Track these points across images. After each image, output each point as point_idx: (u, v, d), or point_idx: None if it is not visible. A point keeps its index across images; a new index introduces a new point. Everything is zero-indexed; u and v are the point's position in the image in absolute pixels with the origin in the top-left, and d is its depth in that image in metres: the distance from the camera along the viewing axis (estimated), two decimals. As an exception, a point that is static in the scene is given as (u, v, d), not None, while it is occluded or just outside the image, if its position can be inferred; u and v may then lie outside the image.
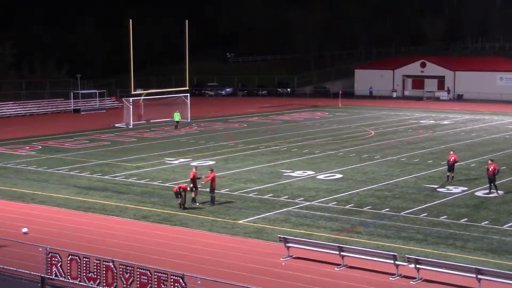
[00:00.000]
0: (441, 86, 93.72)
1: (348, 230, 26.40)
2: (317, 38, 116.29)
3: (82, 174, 38.00)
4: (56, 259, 20.33)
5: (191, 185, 30.35)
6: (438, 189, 33.50)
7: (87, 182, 35.87)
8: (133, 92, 62.50)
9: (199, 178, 30.75)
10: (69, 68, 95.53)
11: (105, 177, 37.20)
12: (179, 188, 29.66)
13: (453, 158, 35.08)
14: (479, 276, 19.67)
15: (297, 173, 37.59)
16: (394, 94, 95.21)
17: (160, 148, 47.34)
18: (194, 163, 40.92)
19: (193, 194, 30.49)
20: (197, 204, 30.34)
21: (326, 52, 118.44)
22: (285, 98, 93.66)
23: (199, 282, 17.90)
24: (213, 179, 30.41)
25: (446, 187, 33.93)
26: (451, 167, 35.17)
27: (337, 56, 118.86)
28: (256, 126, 60.92)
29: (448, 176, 35.39)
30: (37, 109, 75.59)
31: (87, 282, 19.83)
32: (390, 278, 21.05)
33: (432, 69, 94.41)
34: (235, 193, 32.97)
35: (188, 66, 65.60)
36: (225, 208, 30.06)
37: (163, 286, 18.48)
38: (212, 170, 30.96)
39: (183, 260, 22.73)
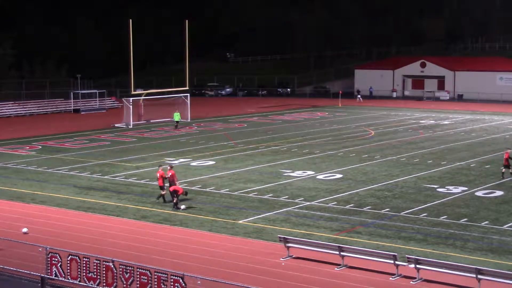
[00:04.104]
0: (441, 86, 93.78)
1: (348, 230, 26.40)
2: (317, 38, 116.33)
3: (82, 174, 38.00)
4: (56, 259, 20.32)
5: (160, 185, 30.54)
6: (438, 189, 33.50)
7: (87, 182, 35.87)
8: (133, 92, 62.50)
9: (166, 178, 30.70)
10: (69, 68, 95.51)
11: (105, 177, 37.19)
12: (174, 189, 29.66)
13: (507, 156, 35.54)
14: (479, 276, 19.67)
15: (297, 173, 37.58)
16: (394, 94, 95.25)
17: (160, 148, 47.35)
18: (194, 163, 40.99)
19: (163, 192, 30.56)
20: (157, 200, 30.50)
21: (326, 52, 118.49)
22: (285, 98, 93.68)
23: (199, 282, 17.89)
24: (173, 177, 30.20)
25: (446, 187, 33.92)
26: (506, 165, 35.51)
27: (337, 56, 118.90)
28: (256, 126, 60.92)
29: (503, 172, 35.64)
30: (37, 109, 75.60)
31: (87, 282, 19.82)
32: (390, 278, 21.04)
33: (432, 69, 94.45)
34: (235, 193, 32.97)
35: (188, 66, 65.60)
36: (225, 208, 30.07)
37: (163, 286, 18.48)
38: (171, 167, 30.77)
39: (183, 260, 22.73)
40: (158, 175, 30.80)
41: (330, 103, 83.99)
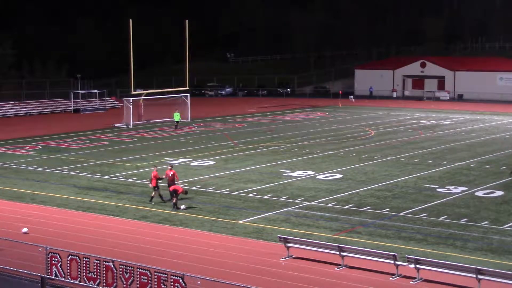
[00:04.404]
0: (441, 86, 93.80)
1: (348, 230, 26.40)
2: (317, 38, 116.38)
3: (82, 174, 38.00)
4: (56, 259, 20.32)
5: (150, 185, 30.71)
6: (438, 189, 33.50)
7: (87, 182, 35.86)
8: (133, 92, 62.50)
9: (160, 179, 30.71)
10: (69, 68, 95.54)
11: (105, 177, 37.19)
12: (174, 189, 29.71)
13: None
14: (479, 276, 19.67)
15: (297, 173, 37.58)
16: (394, 94, 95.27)
17: (160, 148, 47.35)
18: (194, 163, 41.00)
19: (152, 194, 30.70)
20: (153, 203, 30.54)
21: (326, 52, 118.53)
22: (285, 98, 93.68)
23: (199, 282, 17.89)
24: (173, 177, 30.47)
25: (446, 187, 33.91)
26: None
27: (337, 56, 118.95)
28: (256, 126, 60.93)
29: None
30: (37, 109, 75.61)
31: (87, 282, 19.82)
32: (390, 278, 21.04)
33: (432, 69, 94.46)
34: (235, 193, 32.97)
35: (188, 66, 65.61)
36: (225, 208, 30.07)
37: (163, 286, 18.48)
38: (171, 167, 30.98)
39: (183, 260, 22.73)
40: (152, 175, 30.84)
41: (330, 103, 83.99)
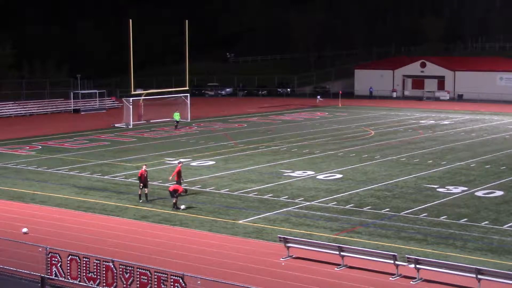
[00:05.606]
0: (441, 86, 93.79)
1: (348, 230, 26.40)
2: (317, 38, 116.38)
3: (82, 174, 38.00)
4: (56, 259, 20.32)
5: (141, 185, 30.89)
6: (438, 189, 33.50)
7: (87, 182, 35.86)
8: (133, 92, 62.50)
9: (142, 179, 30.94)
10: (69, 68, 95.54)
11: (105, 177, 37.19)
12: (174, 189, 29.78)
13: None
14: (479, 276, 19.67)
15: (297, 173, 37.58)
16: (394, 94, 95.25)
17: (160, 148, 47.35)
18: (194, 163, 40.99)
19: (146, 191, 30.94)
20: (140, 201, 30.81)
21: (326, 52, 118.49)
22: (285, 98, 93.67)
23: (199, 282, 17.90)
24: (178, 174, 31.08)
25: (446, 187, 33.91)
26: None
27: (337, 56, 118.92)
28: (256, 126, 60.92)
29: None
30: (37, 109, 75.60)
31: (87, 282, 19.83)
32: (390, 278, 21.04)
33: (432, 69, 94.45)
34: (235, 193, 32.96)
35: (188, 66, 65.61)
36: (225, 208, 30.07)
37: (163, 286, 18.48)
38: (180, 163, 31.47)
39: (183, 260, 22.73)
40: (140, 172, 31.14)
41: (330, 103, 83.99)
